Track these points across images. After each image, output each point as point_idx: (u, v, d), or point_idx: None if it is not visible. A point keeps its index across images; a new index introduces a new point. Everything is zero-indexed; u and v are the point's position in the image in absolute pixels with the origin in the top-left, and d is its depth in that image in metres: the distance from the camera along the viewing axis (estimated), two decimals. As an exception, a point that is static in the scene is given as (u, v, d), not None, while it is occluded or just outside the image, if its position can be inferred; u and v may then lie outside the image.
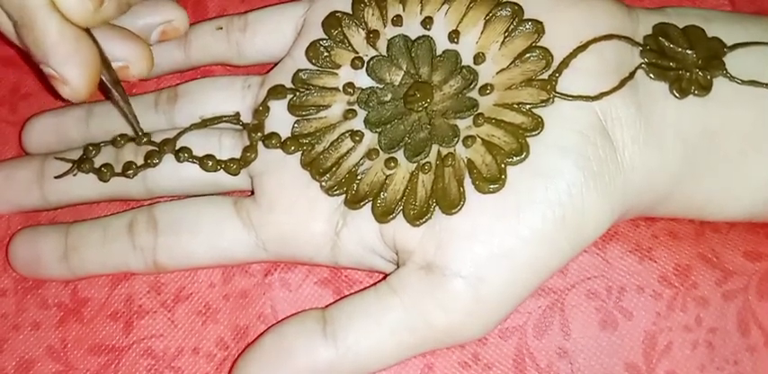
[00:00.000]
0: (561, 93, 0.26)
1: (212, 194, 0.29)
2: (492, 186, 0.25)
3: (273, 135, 0.28)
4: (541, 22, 0.26)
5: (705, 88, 0.26)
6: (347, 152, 0.27)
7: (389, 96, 0.28)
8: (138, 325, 0.29)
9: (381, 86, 0.28)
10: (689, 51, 0.26)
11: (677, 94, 0.26)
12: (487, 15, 0.27)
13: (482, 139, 0.26)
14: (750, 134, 0.26)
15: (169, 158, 0.29)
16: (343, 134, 0.27)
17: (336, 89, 0.28)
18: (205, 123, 0.29)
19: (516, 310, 0.28)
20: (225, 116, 0.29)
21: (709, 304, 0.28)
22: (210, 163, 0.28)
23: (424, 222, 0.25)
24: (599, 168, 0.25)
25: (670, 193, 0.26)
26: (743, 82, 0.26)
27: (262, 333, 0.27)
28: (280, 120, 0.28)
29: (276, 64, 0.30)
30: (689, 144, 0.26)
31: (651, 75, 0.26)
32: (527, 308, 0.29)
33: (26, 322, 0.29)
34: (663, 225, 0.30)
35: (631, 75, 0.26)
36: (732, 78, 0.26)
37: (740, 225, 0.29)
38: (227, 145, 0.29)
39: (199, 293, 0.29)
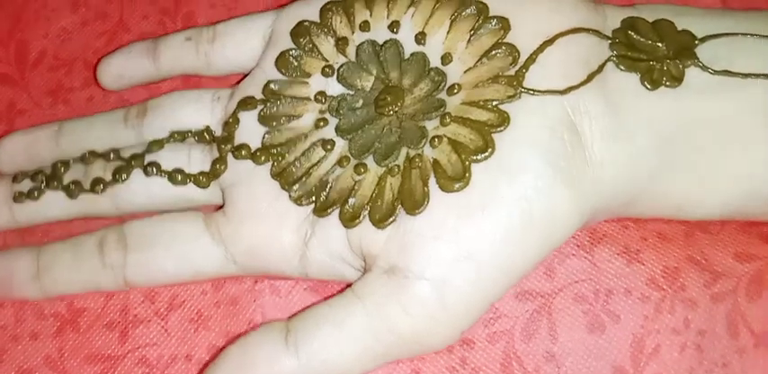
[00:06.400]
0: (528, 88, 0.25)
1: (184, 210, 0.29)
2: (456, 184, 0.25)
3: (243, 146, 0.28)
4: (507, 19, 0.26)
5: (677, 79, 0.25)
6: (318, 161, 0.27)
7: (361, 102, 0.27)
8: (133, 334, 0.30)
9: (353, 93, 0.28)
10: (659, 44, 0.26)
11: (649, 86, 0.25)
12: (453, 15, 0.27)
13: (449, 139, 0.26)
14: (726, 126, 0.25)
15: (139, 174, 0.29)
16: (314, 143, 0.27)
17: (308, 98, 0.28)
18: (174, 137, 0.29)
19: (504, 314, 0.29)
20: (194, 130, 0.29)
21: (698, 306, 0.28)
22: (179, 176, 0.28)
23: (389, 224, 0.25)
24: (567, 163, 0.25)
25: (645, 189, 0.26)
26: (715, 72, 0.25)
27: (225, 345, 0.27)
28: (250, 131, 0.28)
29: (246, 75, 0.30)
30: (662, 137, 0.25)
31: (621, 68, 0.25)
32: (514, 312, 0.29)
33: (24, 332, 0.30)
34: (652, 226, 0.30)
35: (600, 68, 0.25)
36: (705, 68, 0.25)
37: (731, 225, 0.29)
38: (196, 158, 0.29)
39: (191, 300, 0.30)
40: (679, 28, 0.26)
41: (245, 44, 0.29)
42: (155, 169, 0.28)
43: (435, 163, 0.25)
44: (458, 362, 0.28)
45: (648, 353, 0.28)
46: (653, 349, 0.28)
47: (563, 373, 0.28)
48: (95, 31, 0.34)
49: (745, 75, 0.25)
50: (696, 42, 0.26)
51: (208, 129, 0.29)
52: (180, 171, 0.28)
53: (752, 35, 0.26)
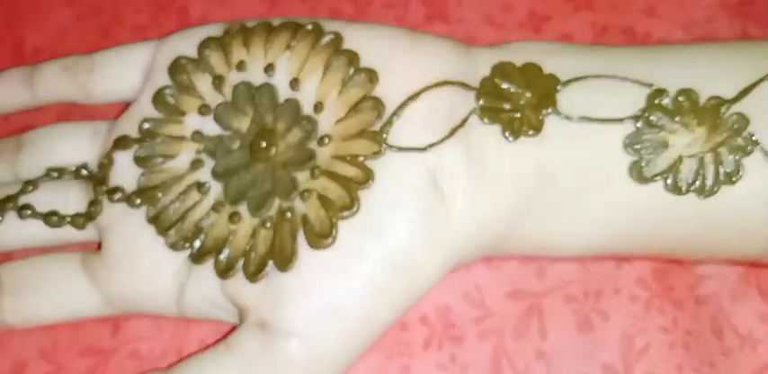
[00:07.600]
0: (391, 145, 0.25)
1: (63, 249, 0.29)
2: (323, 241, 0.25)
3: (118, 188, 0.27)
4: (375, 72, 0.26)
5: (536, 128, 0.25)
6: (193, 205, 0.27)
7: (237, 144, 0.27)
8: (126, 327, 0.30)
9: (229, 134, 0.27)
10: (525, 91, 0.25)
11: (509, 137, 0.25)
12: (326, 62, 0.27)
13: (318, 193, 0.25)
14: (584, 171, 0.25)
15: (13, 216, 0.28)
16: (189, 186, 0.27)
17: (184, 138, 0.27)
18: (50, 174, 0.29)
19: (494, 312, 0.29)
20: (71, 168, 0.29)
21: (684, 308, 0.29)
22: (55, 218, 0.28)
23: (261, 278, 0.25)
24: (428, 219, 0.25)
25: (508, 234, 0.26)
26: (573, 119, 0.25)
27: None
28: (126, 172, 0.27)
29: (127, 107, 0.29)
30: (524, 186, 0.25)
31: (485, 120, 0.25)
32: (505, 311, 0.29)
33: (20, 325, 0.30)
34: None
35: (463, 122, 0.26)
36: (563, 115, 0.25)
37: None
38: (74, 197, 0.28)
39: (184, 296, 0.30)
40: (547, 70, 0.26)
41: (123, 75, 0.29)
42: (29, 211, 0.28)
43: (304, 218, 0.25)
44: (447, 359, 0.29)
45: (638, 352, 0.28)
46: (642, 347, 0.28)
47: (552, 371, 0.28)
48: (90, 25, 0.34)
49: (602, 121, 0.25)
50: (558, 88, 0.25)
51: (85, 167, 0.29)
52: (55, 213, 0.28)
53: (614, 77, 0.25)
